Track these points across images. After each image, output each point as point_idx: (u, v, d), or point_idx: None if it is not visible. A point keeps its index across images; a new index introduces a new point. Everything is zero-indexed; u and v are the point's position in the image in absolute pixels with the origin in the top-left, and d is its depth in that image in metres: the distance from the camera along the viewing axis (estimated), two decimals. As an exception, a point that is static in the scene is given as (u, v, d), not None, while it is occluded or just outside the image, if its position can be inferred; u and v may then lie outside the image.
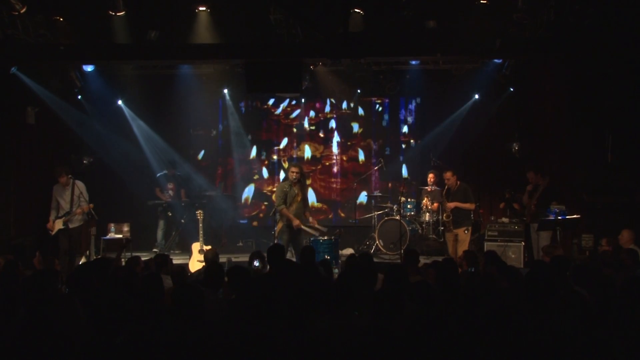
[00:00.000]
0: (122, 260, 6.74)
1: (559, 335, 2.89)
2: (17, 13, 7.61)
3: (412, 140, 11.10)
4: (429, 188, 9.45)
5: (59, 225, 7.85)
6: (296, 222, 7.47)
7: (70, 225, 7.89)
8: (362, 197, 10.90)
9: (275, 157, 11.28)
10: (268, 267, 5.53)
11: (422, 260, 7.08)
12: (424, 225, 9.43)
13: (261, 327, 2.95)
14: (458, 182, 8.42)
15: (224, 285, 4.54)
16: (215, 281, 4.46)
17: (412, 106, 11.10)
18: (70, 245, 7.86)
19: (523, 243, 8.29)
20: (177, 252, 9.79)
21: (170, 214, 10.02)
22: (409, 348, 2.61)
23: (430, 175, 9.43)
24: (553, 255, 5.96)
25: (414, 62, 9.87)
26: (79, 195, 7.88)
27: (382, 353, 2.56)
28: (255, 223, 11.06)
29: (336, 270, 6.89)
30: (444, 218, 8.52)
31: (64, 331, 2.78)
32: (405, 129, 11.15)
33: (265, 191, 11.20)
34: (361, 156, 11.19)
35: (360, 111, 11.21)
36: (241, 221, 11.07)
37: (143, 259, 6.26)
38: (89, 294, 3.63)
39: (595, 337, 2.81)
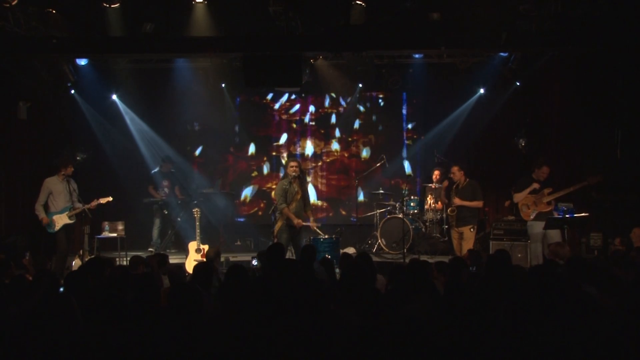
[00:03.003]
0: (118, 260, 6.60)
1: (567, 336, 2.82)
2: (8, 5, 7.42)
3: (415, 136, 10.89)
4: (433, 185, 9.26)
5: (64, 220, 7.60)
6: (297, 220, 7.27)
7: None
8: (364, 195, 10.68)
9: (274, 153, 11.06)
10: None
11: (425, 259, 6.89)
12: (427, 224, 9.24)
13: (259, 327, 2.93)
14: (467, 179, 8.19)
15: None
16: (205, 280, 4.29)
17: (415, 101, 10.88)
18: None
19: (529, 242, 8.07)
20: (173, 251, 9.64)
21: (166, 212, 9.84)
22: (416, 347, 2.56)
23: (436, 172, 9.24)
24: (561, 255, 5.82)
25: (417, 56, 9.71)
26: (72, 191, 7.72)
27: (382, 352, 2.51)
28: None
29: (338, 270, 6.71)
30: (448, 212, 8.31)
31: (61, 331, 2.82)
32: (408, 124, 10.93)
33: (264, 188, 10.98)
34: (363, 152, 10.98)
35: (362, 106, 10.99)
36: (239, 219, 10.86)
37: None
38: (84, 294, 3.62)
39: (605, 337, 2.74)
